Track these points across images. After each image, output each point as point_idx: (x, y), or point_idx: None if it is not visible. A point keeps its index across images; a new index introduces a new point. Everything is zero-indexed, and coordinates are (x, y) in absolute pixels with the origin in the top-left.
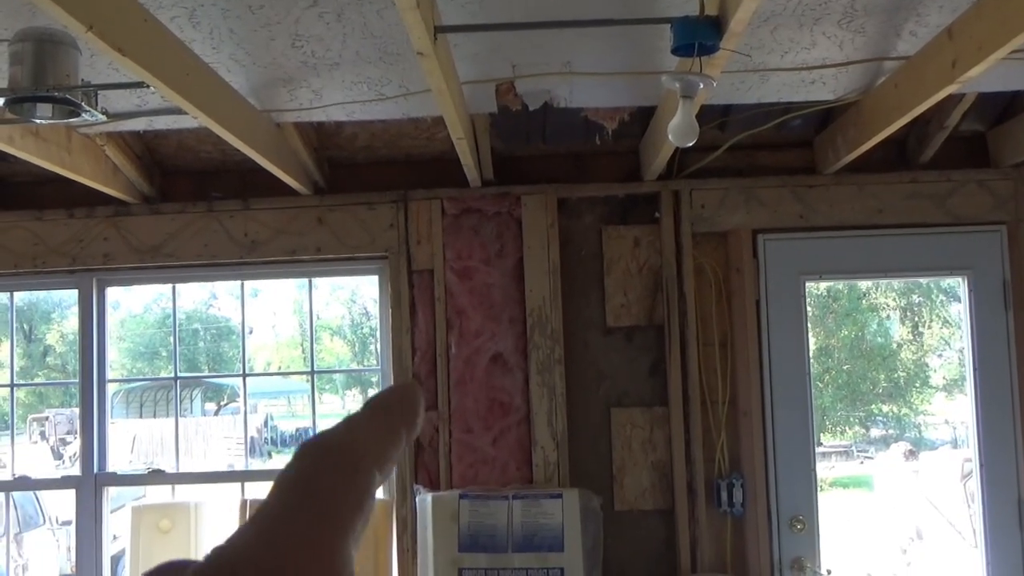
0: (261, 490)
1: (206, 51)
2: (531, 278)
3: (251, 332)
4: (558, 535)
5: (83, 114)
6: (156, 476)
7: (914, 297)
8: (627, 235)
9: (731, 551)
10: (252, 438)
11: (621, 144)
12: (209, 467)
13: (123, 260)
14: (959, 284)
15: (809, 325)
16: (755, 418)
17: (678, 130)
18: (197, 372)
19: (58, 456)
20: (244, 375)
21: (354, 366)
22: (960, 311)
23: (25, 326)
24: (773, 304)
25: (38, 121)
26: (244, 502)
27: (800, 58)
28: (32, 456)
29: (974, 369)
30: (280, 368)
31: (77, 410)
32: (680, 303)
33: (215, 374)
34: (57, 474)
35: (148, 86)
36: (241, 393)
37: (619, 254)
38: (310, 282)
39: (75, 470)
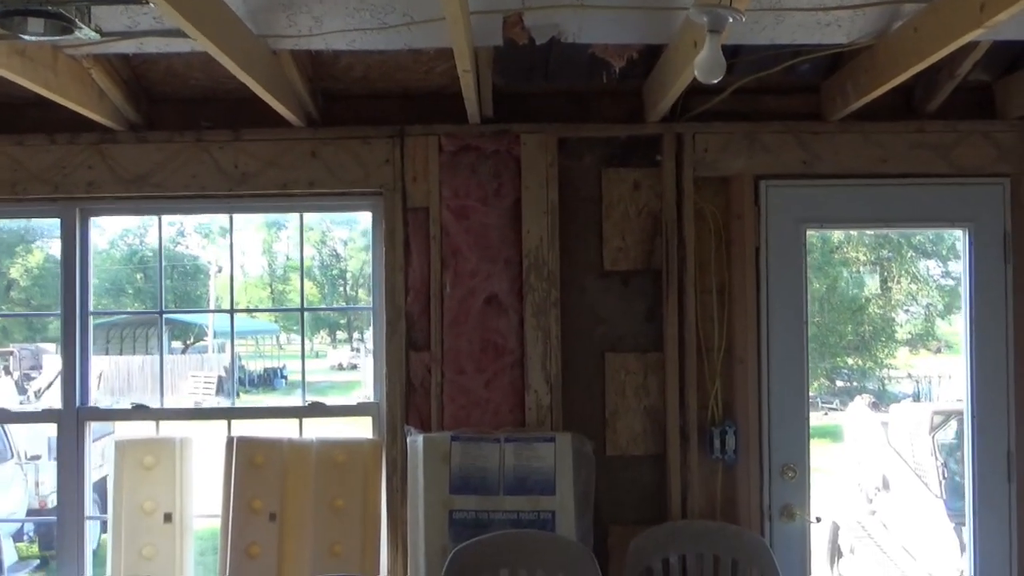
0: (247, 428)
1: None
2: (529, 219)
3: (219, 271)
4: (550, 478)
5: (76, 31)
6: (140, 411)
7: (884, 252)
8: (627, 178)
9: (721, 497)
10: (220, 377)
11: (624, 84)
12: (182, 404)
13: (108, 189)
14: (960, 236)
15: (809, 274)
16: (750, 366)
17: (704, 65)
18: (156, 309)
19: (22, 391)
20: (232, 311)
21: (320, 306)
22: (940, 266)
23: None
24: (773, 252)
25: (28, 37)
26: (231, 439)
27: None
28: None
29: (971, 321)
30: (248, 305)
31: (42, 345)
32: (679, 248)
33: (199, 309)
34: (22, 409)
35: (145, 1)
36: (209, 332)
37: (618, 197)
38: (301, 217)
39: (40, 404)
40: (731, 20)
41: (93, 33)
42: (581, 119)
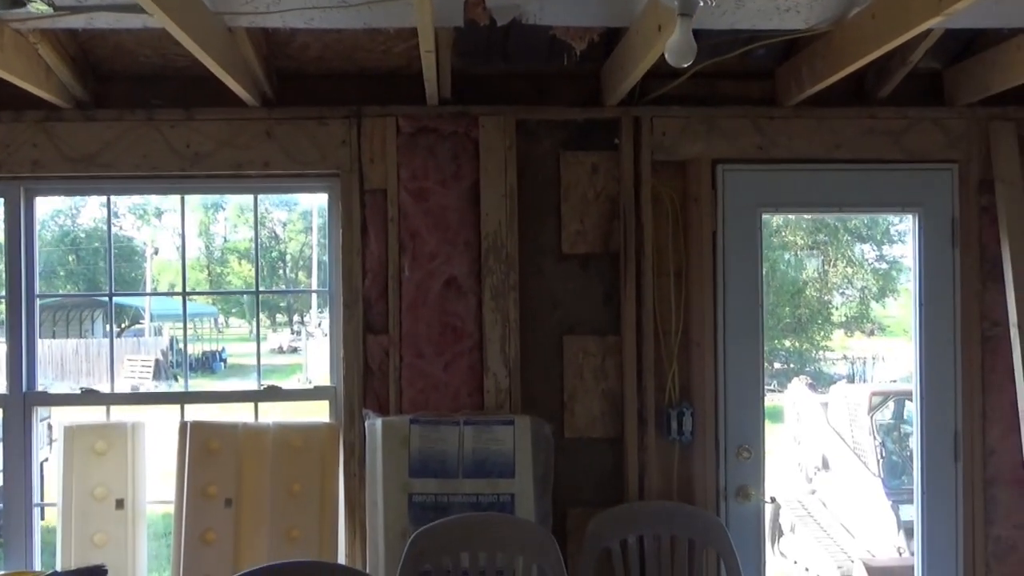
0: (199, 412)
1: None
2: (487, 202)
3: (156, 252)
4: (509, 461)
5: (29, 5)
6: (90, 396)
7: (821, 236)
8: (585, 161)
9: (678, 478)
10: (157, 361)
11: (582, 67)
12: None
13: (54, 168)
14: (910, 220)
15: (763, 258)
16: (707, 348)
17: (676, 48)
18: (98, 292)
19: None
20: (184, 293)
21: (262, 289)
22: (904, 253)
23: None
24: (730, 235)
25: None
26: (184, 424)
27: None
28: None
29: (920, 305)
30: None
31: None
32: (637, 232)
33: (154, 292)
34: None
35: None
36: (146, 315)
37: (576, 180)
38: (255, 198)
39: None
40: (702, 4)
41: (46, 7)
42: (539, 102)
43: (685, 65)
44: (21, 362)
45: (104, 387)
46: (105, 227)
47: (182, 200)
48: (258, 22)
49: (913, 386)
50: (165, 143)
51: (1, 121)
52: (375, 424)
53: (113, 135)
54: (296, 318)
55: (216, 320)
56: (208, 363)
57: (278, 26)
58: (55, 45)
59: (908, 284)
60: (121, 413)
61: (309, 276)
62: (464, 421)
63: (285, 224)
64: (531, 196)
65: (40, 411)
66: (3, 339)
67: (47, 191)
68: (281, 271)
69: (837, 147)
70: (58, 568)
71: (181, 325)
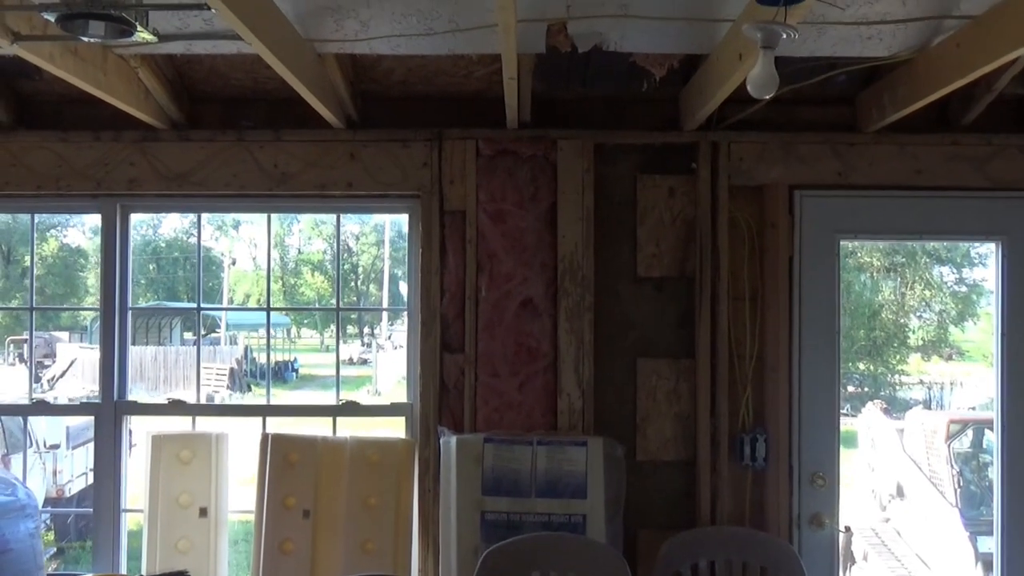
0: (276, 423)
1: None
2: (564, 224)
3: (233, 263)
4: (581, 482)
5: (135, 34)
6: (177, 407)
7: (898, 257)
8: (662, 184)
9: (750, 504)
10: (232, 369)
11: (660, 92)
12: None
13: (149, 187)
14: (990, 250)
15: (841, 284)
16: (782, 374)
17: (758, 81)
18: (177, 301)
19: (36, 379)
20: (268, 309)
21: (333, 302)
22: (986, 276)
23: (3, 247)
24: (806, 261)
25: (87, 39)
26: (265, 436)
27: (861, 12)
28: (10, 378)
29: (1002, 335)
30: (259, 300)
31: (55, 333)
32: (712, 255)
33: (240, 307)
34: (56, 401)
35: (209, 8)
36: (222, 324)
37: (653, 203)
38: (338, 218)
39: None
40: (784, 36)
41: (151, 36)
42: (617, 126)
43: (767, 97)
44: (113, 372)
45: (183, 394)
46: (184, 237)
47: (268, 219)
48: (347, 48)
49: (994, 414)
50: (254, 163)
51: (101, 140)
52: (450, 441)
53: (205, 155)
54: (367, 330)
55: (288, 331)
56: (281, 373)
57: (365, 52)
58: (154, 69)
59: (988, 308)
60: (202, 422)
61: (380, 289)
62: (537, 441)
63: (358, 237)
64: (607, 219)
65: (87, 432)
66: (91, 346)
67: (142, 208)
68: (353, 283)
69: (918, 173)
70: (143, 572)
71: (255, 334)
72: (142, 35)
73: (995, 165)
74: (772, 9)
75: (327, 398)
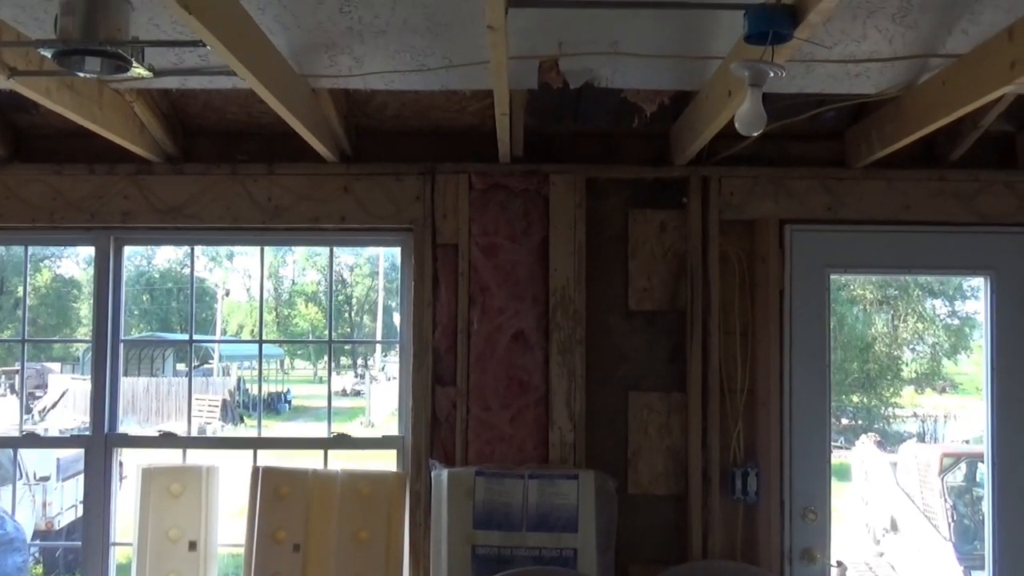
0: (267, 456)
1: (251, 12)
2: (556, 258)
3: (227, 294)
4: (572, 516)
5: (131, 69)
6: (167, 439)
7: (891, 290)
8: (653, 219)
9: (742, 539)
10: (224, 401)
11: (651, 128)
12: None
13: (143, 219)
14: (981, 284)
15: (831, 318)
16: (773, 408)
17: (746, 118)
18: (170, 332)
19: (27, 411)
20: (260, 341)
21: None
22: (978, 309)
23: None
24: (797, 295)
25: (83, 74)
26: (256, 469)
27: (849, 50)
28: (1, 409)
29: (991, 369)
30: (252, 331)
31: (47, 364)
32: (704, 290)
33: (233, 339)
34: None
35: (205, 45)
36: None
37: (644, 238)
38: (331, 251)
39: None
40: (772, 75)
41: (146, 72)
42: (608, 160)
43: (755, 134)
44: (104, 404)
45: (174, 426)
46: (178, 268)
47: (262, 251)
48: (340, 84)
49: (984, 449)
50: (248, 196)
51: (96, 173)
52: (441, 475)
53: (199, 188)
54: (360, 361)
55: (282, 362)
56: (273, 404)
57: (359, 87)
58: (149, 103)
59: (981, 341)
60: (193, 454)
61: (374, 320)
62: (529, 475)
63: (352, 268)
64: (599, 253)
65: (76, 464)
66: (83, 377)
67: (135, 240)
68: (347, 314)
69: (907, 208)
70: None
71: (248, 366)
72: (138, 71)
73: (982, 200)
74: (760, 48)
75: (320, 429)
